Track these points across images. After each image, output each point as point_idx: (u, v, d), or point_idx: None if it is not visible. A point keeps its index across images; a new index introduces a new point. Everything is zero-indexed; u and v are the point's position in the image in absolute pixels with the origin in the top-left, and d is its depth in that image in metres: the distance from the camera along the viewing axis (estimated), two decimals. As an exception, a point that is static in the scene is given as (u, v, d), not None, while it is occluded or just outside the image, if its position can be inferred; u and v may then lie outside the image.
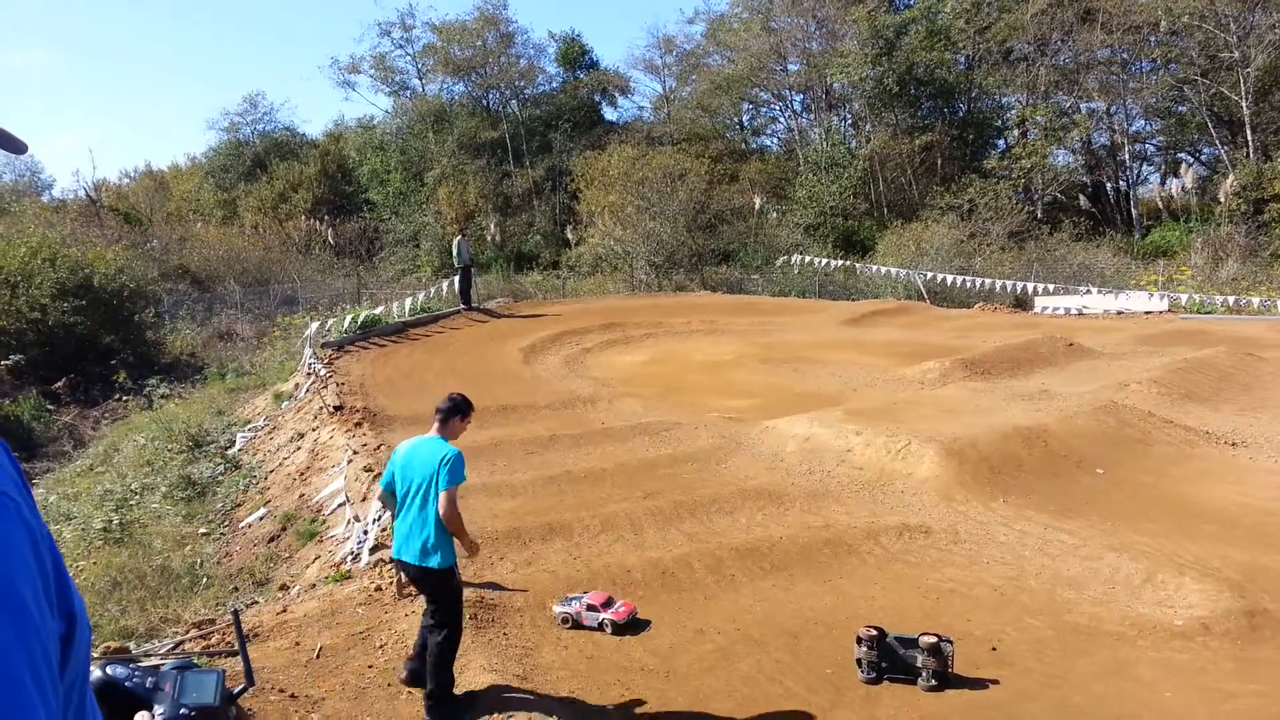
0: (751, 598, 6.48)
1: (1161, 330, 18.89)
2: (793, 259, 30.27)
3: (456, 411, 5.23)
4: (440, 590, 4.91)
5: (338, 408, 12.07)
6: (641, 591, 6.40)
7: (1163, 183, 35.47)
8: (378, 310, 19.88)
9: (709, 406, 12.61)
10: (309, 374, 14.67)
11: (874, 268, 28.60)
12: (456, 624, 4.93)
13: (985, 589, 6.64)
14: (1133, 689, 5.27)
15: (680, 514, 8.03)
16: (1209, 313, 21.95)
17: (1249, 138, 33.43)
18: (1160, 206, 35.06)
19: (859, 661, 5.39)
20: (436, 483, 4.84)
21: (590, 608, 5.95)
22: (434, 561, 4.85)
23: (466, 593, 6.11)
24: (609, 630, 5.84)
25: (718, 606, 6.33)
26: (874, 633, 5.38)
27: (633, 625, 5.95)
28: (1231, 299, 22.41)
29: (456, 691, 4.89)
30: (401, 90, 49.24)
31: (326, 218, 42.66)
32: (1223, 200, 31.03)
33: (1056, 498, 8.48)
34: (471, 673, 5.17)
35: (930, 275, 26.75)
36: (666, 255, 30.58)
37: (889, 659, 5.35)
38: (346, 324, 18.32)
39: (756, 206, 35.78)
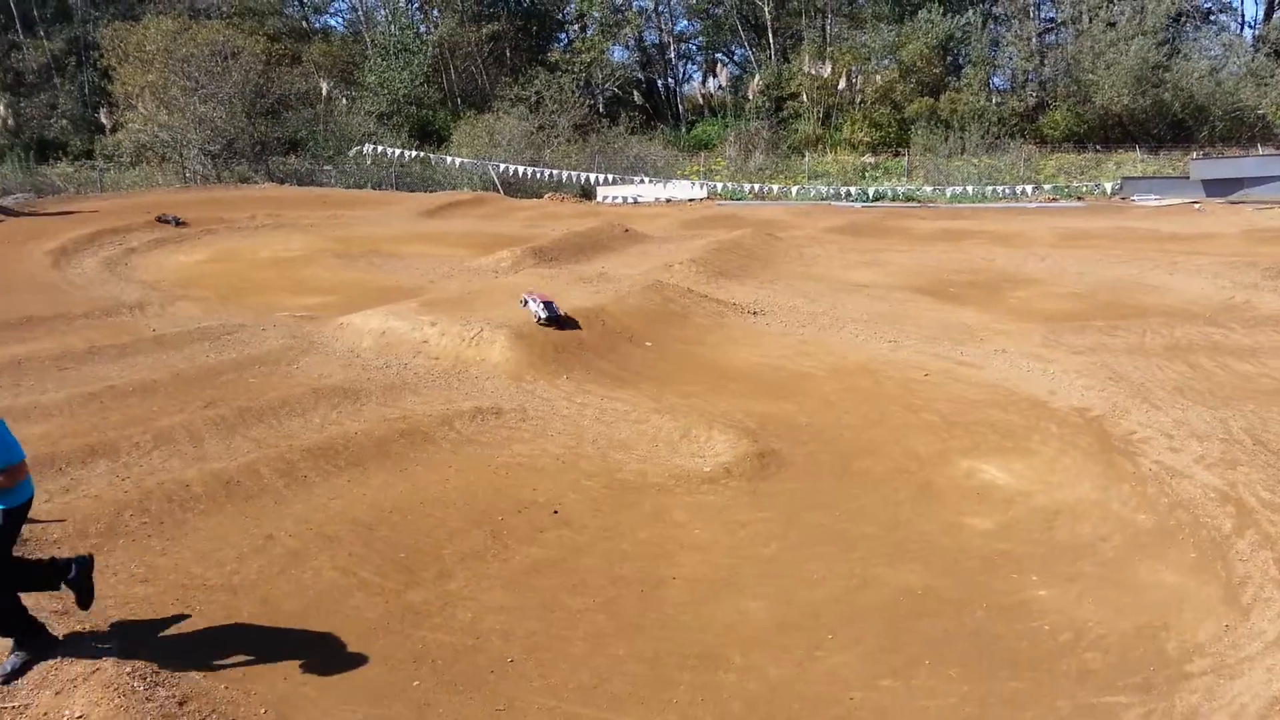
0: (326, 496, 6.44)
1: (701, 215, 21.20)
2: (366, 149, 29.17)
3: None
4: None
5: None
6: (202, 505, 6.07)
7: (704, 81, 39.12)
8: None
9: (279, 306, 12.00)
10: None
11: (449, 159, 28.53)
12: None
13: (549, 459, 7.20)
14: (670, 531, 6.10)
15: (247, 420, 7.65)
16: (740, 199, 24.98)
17: (771, 41, 37.85)
18: (702, 103, 38.71)
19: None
20: None
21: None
22: None
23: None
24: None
25: (289, 510, 6.20)
26: None
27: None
28: (758, 186, 25.65)
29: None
30: None
31: None
32: (751, 98, 35.03)
33: (612, 371, 9.34)
34: None
35: (503, 167, 27.31)
36: (225, 144, 27.93)
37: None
38: None
39: (324, 92, 33.75)
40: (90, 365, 9.16)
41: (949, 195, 24.52)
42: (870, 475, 7.05)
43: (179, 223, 13.89)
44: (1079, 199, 24.16)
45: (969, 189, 24.71)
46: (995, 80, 35.51)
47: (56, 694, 4.06)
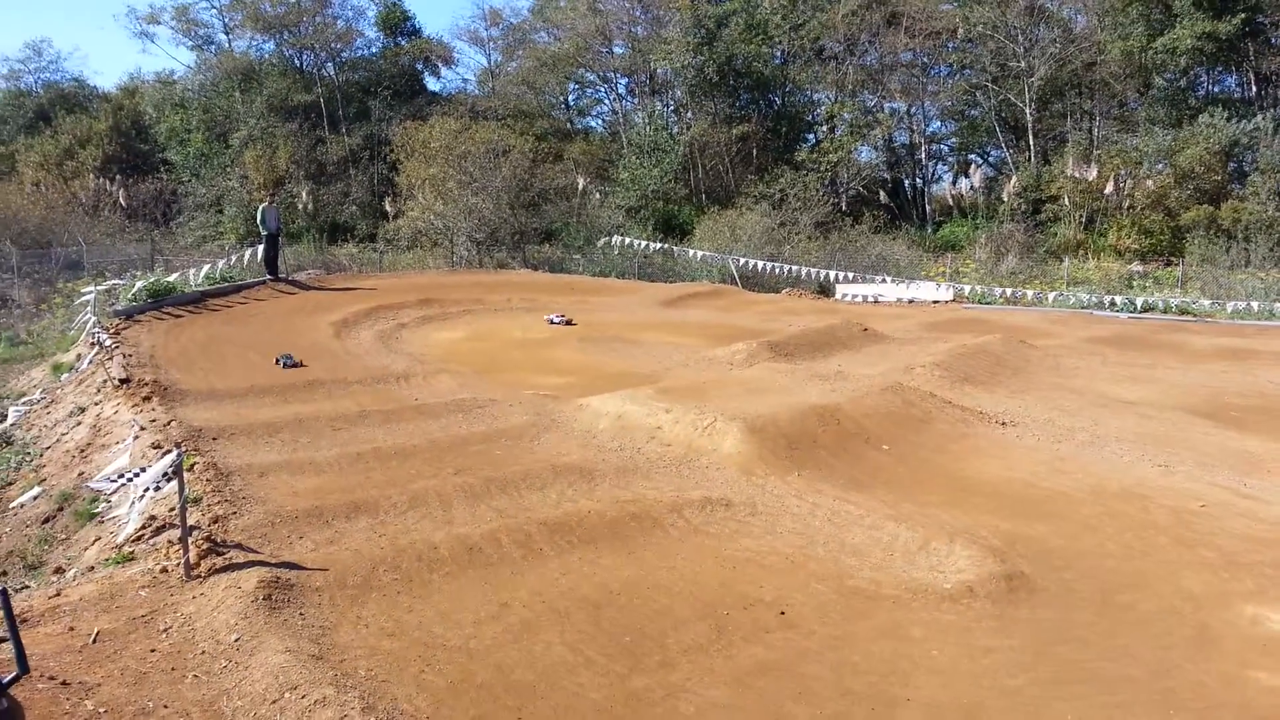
0: (558, 571, 6.59)
1: (946, 318, 20.44)
2: (614, 240, 30.62)
3: None
4: None
5: (124, 380, 11.28)
6: (447, 568, 6.39)
7: (954, 182, 38.23)
8: (172, 278, 18.64)
9: (525, 384, 12.64)
10: (93, 344, 13.62)
11: (691, 251, 29.35)
12: None
13: (778, 557, 7.02)
14: (905, 648, 5.73)
15: (491, 490, 8.04)
16: (989, 303, 23.90)
17: (1030, 143, 36.52)
18: (951, 203, 37.78)
19: None
20: None
21: None
22: None
23: (263, 573, 5.92)
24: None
25: (524, 580, 6.40)
26: None
27: None
28: (1009, 291, 24.48)
29: None
30: (206, 45, 46.23)
31: (119, 177, 39.54)
32: (1006, 200, 33.79)
33: (846, 472, 9.05)
34: (265, 654, 5.02)
35: (743, 261, 27.74)
36: (489, 232, 30.24)
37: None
38: (135, 291, 17.08)
39: (580, 187, 35.92)
40: (360, 427, 9.99)
41: (1230, 310, 22.32)
42: (1135, 612, 6.34)
43: (291, 364, 13.18)
44: (1390, 320, 21.27)
45: (1254, 304, 22.38)
46: (1286, 188, 32.27)
47: (308, 733, 4.33)
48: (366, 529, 7.01)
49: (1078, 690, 5.26)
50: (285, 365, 13.09)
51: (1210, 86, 36.62)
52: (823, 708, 4.98)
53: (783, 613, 6.10)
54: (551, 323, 17.64)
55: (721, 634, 5.74)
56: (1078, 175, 32.23)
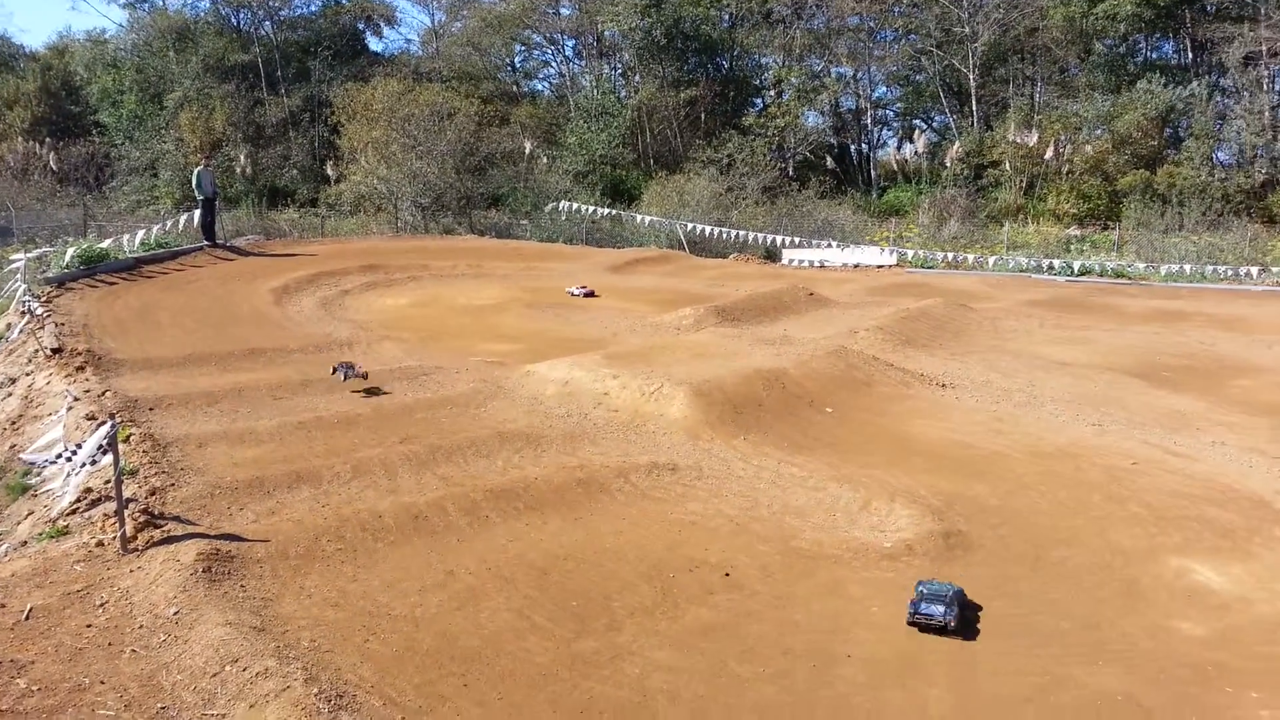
0: (505, 537, 6.60)
1: (890, 282, 20.70)
2: (561, 205, 30.38)
3: None
4: None
5: (56, 350, 10.97)
6: (392, 536, 6.36)
7: (899, 147, 38.48)
8: (105, 244, 18.10)
9: (471, 351, 12.55)
10: (23, 313, 13.19)
11: (639, 216, 29.24)
12: None
13: (723, 520, 7.11)
14: (845, 606, 5.85)
15: (436, 458, 8.00)
16: (931, 268, 24.26)
17: (974, 108, 36.91)
18: (896, 169, 38.04)
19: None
20: None
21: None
22: None
23: (202, 545, 5.84)
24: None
25: (470, 548, 6.40)
26: None
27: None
28: (951, 255, 24.84)
29: None
30: (139, 2, 44.61)
31: (48, 140, 38.13)
32: (949, 165, 34.14)
33: (790, 435, 9.17)
34: (205, 627, 4.96)
35: (691, 226, 27.74)
36: (434, 197, 29.79)
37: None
38: (67, 257, 16.56)
39: (527, 151, 35.50)
40: (302, 396, 9.85)
41: (1163, 273, 22.91)
42: (1067, 567, 6.54)
43: (353, 374, 10.23)
44: (1315, 283, 21.99)
45: (1186, 268, 22.99)
46: (1219, 155, 33.04)
47: (251, 707, 4.30)
48: (309, 499, 6.94)
49: (1012, 643, 5.43)
50: (346, 375, 10.23)
51: (1149, 53, 37.24)
52: (766, 666, 5.08)
53: (727, 574, 6.18)
54: (573, 294, 17.30)
55: (667, 596, 5.81)
56: (1019, 140, 32.67)
